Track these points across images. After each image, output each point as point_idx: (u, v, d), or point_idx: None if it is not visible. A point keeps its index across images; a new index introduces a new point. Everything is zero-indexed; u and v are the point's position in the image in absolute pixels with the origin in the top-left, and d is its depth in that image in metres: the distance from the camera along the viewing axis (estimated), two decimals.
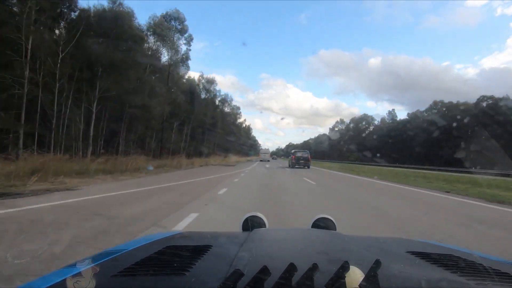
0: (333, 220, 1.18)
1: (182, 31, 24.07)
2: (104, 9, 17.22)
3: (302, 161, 22.55)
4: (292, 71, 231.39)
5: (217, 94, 41.43)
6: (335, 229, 1.15)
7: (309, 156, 23.22)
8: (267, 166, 25.45)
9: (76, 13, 15.82)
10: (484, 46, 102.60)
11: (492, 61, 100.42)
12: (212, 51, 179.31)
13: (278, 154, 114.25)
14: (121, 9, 18.12)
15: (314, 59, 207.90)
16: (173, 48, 23.39)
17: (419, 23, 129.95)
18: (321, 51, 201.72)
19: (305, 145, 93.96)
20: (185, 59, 25.81)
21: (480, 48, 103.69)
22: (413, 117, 53.60)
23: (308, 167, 22.51)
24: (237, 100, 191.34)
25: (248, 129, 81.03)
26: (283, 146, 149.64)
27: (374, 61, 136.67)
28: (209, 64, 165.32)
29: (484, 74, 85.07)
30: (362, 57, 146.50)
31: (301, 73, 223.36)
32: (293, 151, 26.66)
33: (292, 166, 23.06)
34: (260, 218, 1.18)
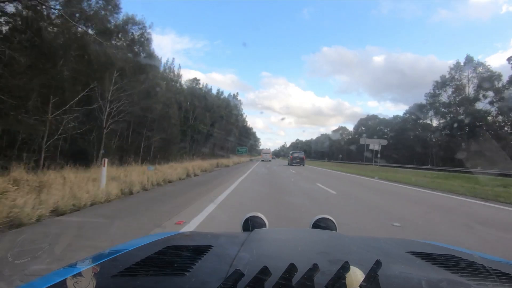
0: (334, 221, 1.18)
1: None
2: None
3: (298, 160, 28.27)
4: (294, 69, 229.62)
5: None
6: (336, 230, 1.15)
7: (304, 157, 29.33)
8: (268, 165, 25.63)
9: None
10: (488, 45, 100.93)
11: (496, 60, 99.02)
12: (212, 50, 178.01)
13: (279, 154, 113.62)
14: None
15: (316, 57, 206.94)
16: None
17: (423, 20, 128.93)
18: (323, 48, 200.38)
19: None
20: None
21: (484, 46, 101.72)
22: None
23: (303, 165, 27.89)
24: (237, 99, 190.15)
25: (248, 128, 66.35)
26: (288, 144, 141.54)
27: (378, 59, 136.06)
28: (209, 62, 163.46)
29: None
30: (365, 55, 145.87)
31: (302, 71, 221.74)
32: (291, 152, 33.93)
33: (290, 164, 28.56)
34: (261, 219, 1.18)
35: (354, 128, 69.47)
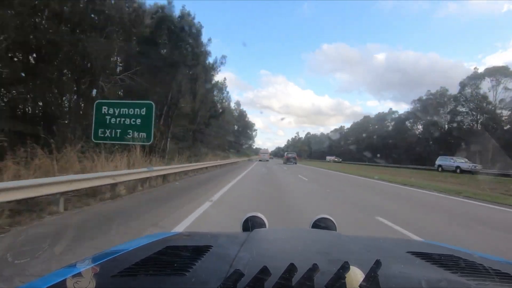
0: (333, 221, 1.18)
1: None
2: None
3: (292, 160, 32.59)
4: (293, 67, 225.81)
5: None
6: (335, 230, 1.15)
7: (296, 156, 34.24)
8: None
9: None
10: (488, 44, 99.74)
11: (497, 60, 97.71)
12: (210, 48, 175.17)
13: (278, 154, 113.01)
14: None
15: (316, 54, 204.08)
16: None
17: (424, 18, 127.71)
18: (323, 45, 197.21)
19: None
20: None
21: (484, 45, 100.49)
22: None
23: (296, 163, 31.88)
24: (236, 98, 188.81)
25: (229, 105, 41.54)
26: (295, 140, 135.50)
27: (379, 57, 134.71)
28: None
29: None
30: (366, 53, 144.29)
31: (302, 69, 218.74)
32: (286, 152, 40.15)
33: (285, 162, 32.95)
34: (261, 218, 1.18)
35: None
